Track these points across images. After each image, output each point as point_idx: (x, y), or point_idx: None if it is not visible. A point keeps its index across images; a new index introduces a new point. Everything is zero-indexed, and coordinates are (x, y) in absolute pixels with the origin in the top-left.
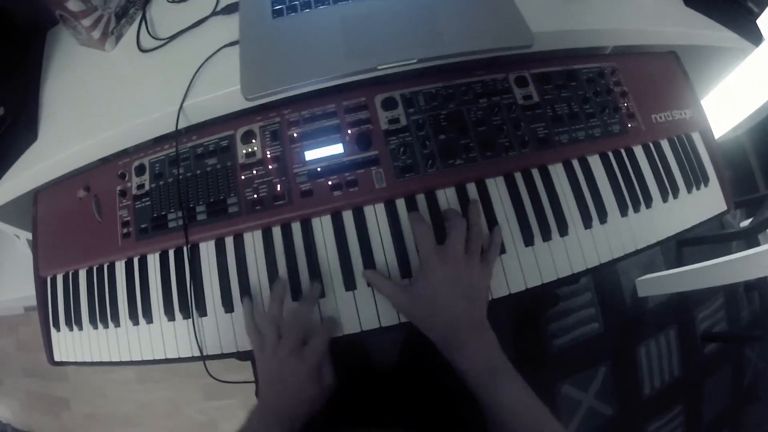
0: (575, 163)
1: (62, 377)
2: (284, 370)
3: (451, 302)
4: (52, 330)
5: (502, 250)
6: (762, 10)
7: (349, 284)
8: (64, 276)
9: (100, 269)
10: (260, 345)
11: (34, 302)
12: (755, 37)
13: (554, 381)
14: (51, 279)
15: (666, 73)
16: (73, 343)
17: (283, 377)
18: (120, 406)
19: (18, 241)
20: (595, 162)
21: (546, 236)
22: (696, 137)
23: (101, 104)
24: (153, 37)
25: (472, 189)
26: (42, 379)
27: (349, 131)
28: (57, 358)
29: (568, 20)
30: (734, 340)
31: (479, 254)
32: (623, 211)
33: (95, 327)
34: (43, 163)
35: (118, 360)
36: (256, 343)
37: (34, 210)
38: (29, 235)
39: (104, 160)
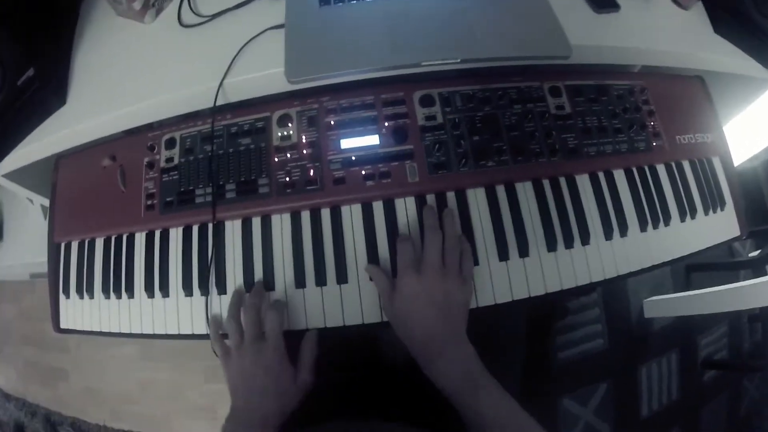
0: (601, 176)
1: (63, 349)
2: (247, 370)
3: (425, 316)
4: (61, 296)
5: (525, 254)
6: None
7: None
8: (79, 243)
9: (119, 239)
10: (226, 351)
11: (41, 269)
12: None
13: (556, 394)
14: (65, 245)
15: (692, 96)
16: (81, 311)
17: (247, 377)
18: (120, 382)
19: (31, 206)
20: (619, 176)
21: (568, 244)
22: (716, 162)
23: (136, 75)
24: (195, 14)
25: (501, 191)
26: (42, 349)
27: (386, 124)
28: (63, 325)
29: (605, 36)
30: (734, 369)
31: (456, 267)
32: (643, 227)
33: (107, 297)
34: (69, 128)
35: (128, 332)
36: (220, 352)
37: (54, 175)
38: (43, 201)
39: (129, 132)
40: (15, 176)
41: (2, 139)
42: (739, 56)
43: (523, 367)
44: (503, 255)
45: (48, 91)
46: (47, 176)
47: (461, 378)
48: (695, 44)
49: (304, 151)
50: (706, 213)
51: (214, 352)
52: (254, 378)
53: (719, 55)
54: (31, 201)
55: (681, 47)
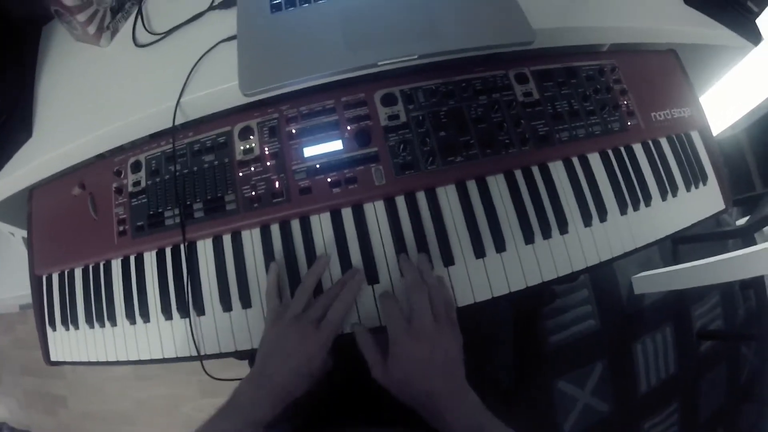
0: (575, 161)
1: (59, 375)
2: (289, 345)
3: (426, 381)
4: (48, 329)
5: (502, 249)
6: (761, 10)
7: None
8: (59, 275)
9: (96, 268)
10: (278, 312)
11: (29, 300)
12: (754, 36)
13: (551, 377)
14: (47, 278)
15: (665, 71)
16: (69, 343)
17: (284, 352)
18: (117, 403)
19: (13, 239)
20: (595, 160)
21: (546, 234)
22: (695, 136)
23: (97, 100)
24: (149, 32)
25: (472, 186)
26: (39, 378)
27: (348, 128)
28: (53, 358)
29: (569, 17)
30: (730, 339)
31: (446, 318)
32: (623, 210)
33: (91, 326)
34: (38, 160)
35: (114, 360)
36: (274, 309)
37: (29, 207)
38: (24, 233)
39: (100, 157)
40: None
41: None
42: (711, 26)
43: (515, 353)
44: (479, 252)
45: (14, 124)
46: (23, 208)
47: (469, 429)
48: (666, 17)
49: (268, 163)
50: (688, 189)
51: (207, 373)
52: (291, 357)
53: (691, 26)
54: (12, 234)
55: (650, 22)
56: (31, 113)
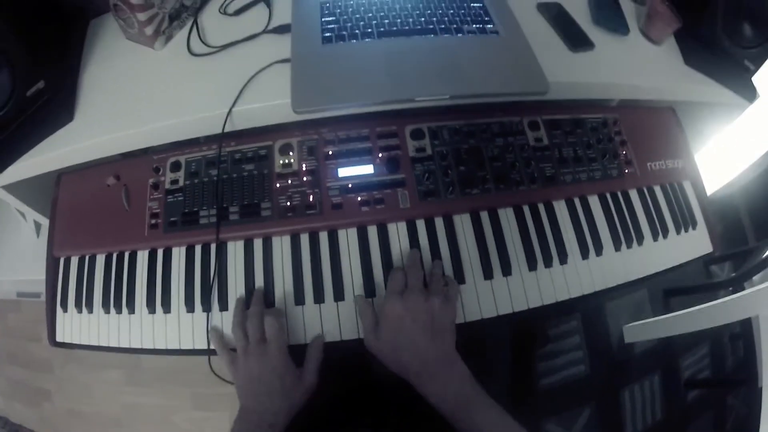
0: (576, 201)
1: (47, 369)
2: (254, 371)
3: (414, 338)
4: (59, 310)
5: (508, 273)
6: (758, 68)
7: (369, 293)
8: (80, 258)
9: (120, 256)
10: (232, 359)
11: (29, 288)
12: (750, 94)
13: (540, 417)
14: (65, 260)
15: (663, 125)
16: (79, 326)
17: (254, 378)
18: (105, 406)
19: (23, 222)
20: (594, 201)
21: (548, 263)
22: (687, 185)
23: (144, 98)
24: (204, 44)
25: (485, 216)
26: (26, 369)
27: (380, 155)
28: (59, 339)
29: (579, 73)
30: (718, 386)
31: (440, 289)
32: (617, 246)
33: (107, 311)
34: (74, 145)
35: (126, 346)
36: (229, 362)
37: (56, 191)
38: (36, 216)
39: (130, 154)
40: (13, 188)
41: (8, 149)
42: (709, 85)
43: (508, 392)
44: (488, 274)
45: (57, 104)
46: (44, 191)
47: (455, 398)
48: (667, 77)
49: (304, 178)
50: (678, 232)
51: (212, 370)
52: (261, 378)
53: (690, 84)
54: (23, 215)
55: (652, 81)
56: (74, 98)
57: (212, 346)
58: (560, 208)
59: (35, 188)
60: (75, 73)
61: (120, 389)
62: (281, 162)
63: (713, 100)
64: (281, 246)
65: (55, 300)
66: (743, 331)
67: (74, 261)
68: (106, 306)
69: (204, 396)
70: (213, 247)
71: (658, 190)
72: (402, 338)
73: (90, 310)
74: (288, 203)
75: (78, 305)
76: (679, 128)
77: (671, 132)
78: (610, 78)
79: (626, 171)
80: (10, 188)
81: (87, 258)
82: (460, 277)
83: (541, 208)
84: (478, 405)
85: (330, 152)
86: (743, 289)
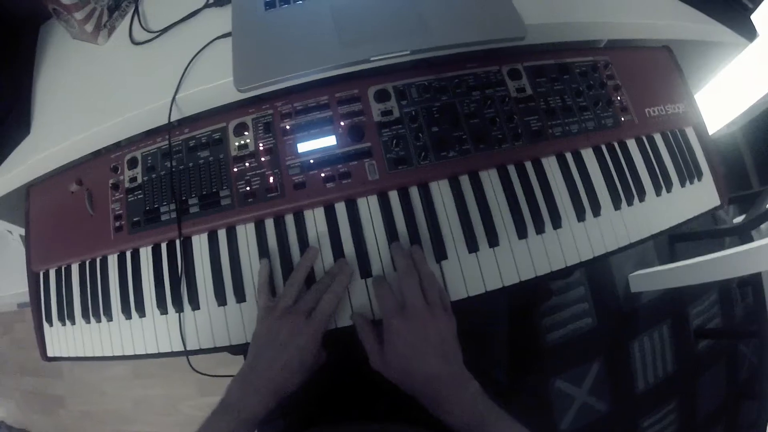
0: (568, 156)
1: (57, 375)
2: (280, 338)
3: (423, 363)
4: (45, 325)
5: (495, 243)
6: (756, 6)
7: None
8: (56, 270)
9: (93, 263)
10: (269, 307)
11: (26, 298)
12: (749, 33)
13: (547, 376)
14: (44, 274)
15: (659, 67)
16: (66, 338)
17: (276, 345)
18: (116, 402)
19: (11, 237)
20: (588, 155)
21: (539, 229)
22: (689, 132)
23: (94, 97)
24: (145, 30)
25: (465, 181)
26: (37, 377)
27: (342, 123)
28: (50, 354)
29: (561, 13)
30: (727, 337)
31: (439, 303)
32: (616, 205)
33: (87, 321)
34: (35, 157)
35: (111, 354)
36: (265, 305)
37: (27, 204)
38: (22, 231)
39: (96, 154)
40: None
41: None
42: (706, 22)
43: (510, 351)
44: (472, 246)
45: (12, 121)
46: (21, 206)
47: (470, 417)
48: (660, 13)
49: (263, 159)
50: (683, 185)
51: (193, 368)
52: (283, 349)
53: (685, 22)
54: (10, 232)
55: (644, 18)
56: (29, 111)
57: (258, 274)
58: (550, 165)
59: (11, 204)
60: (28, 84)
61: (127, 384)
62: (237, 144)
63: (710, 38)
64: (246, 234)
65: (40, 315)
66: (752, 278)
67: (52, 273)
68: (85, 316)
69: (209, 381)
70: (177, 243)
71: (658, 138)
72: (414, 363)
73: (72, 322)
74: (248, 188)
75: (61, 318)
76: (676, 69)
77: (669, 74)
78: (596, 16)
79: (622, 119)
80: None
81: (63, 269)
82: (440, 251)
83: (529, 166)
84: (495, 421)
85: (287, 127)
86: (750, 237)
